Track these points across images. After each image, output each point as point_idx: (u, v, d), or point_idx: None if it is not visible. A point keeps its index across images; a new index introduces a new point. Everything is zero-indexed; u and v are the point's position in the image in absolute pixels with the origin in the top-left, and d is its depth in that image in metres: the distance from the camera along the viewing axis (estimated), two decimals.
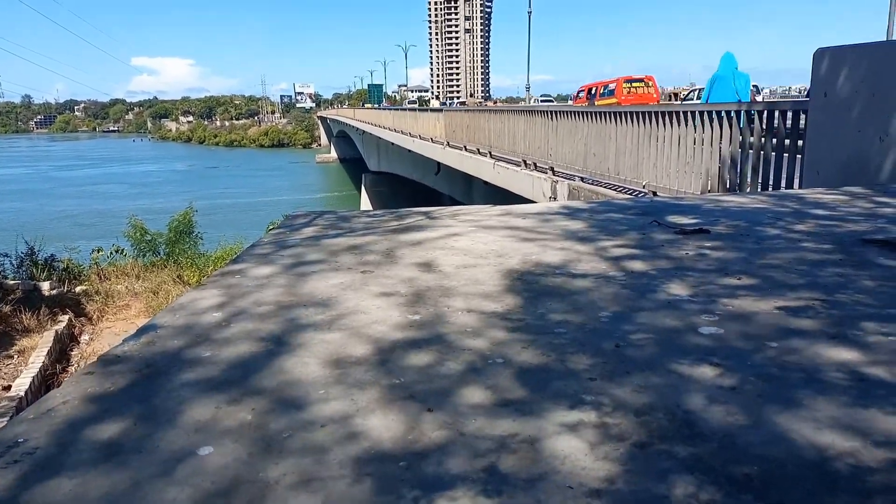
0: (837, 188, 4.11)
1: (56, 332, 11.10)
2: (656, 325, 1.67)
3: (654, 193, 8.62)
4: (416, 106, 53.78)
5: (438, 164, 22.90)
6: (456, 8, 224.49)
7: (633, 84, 27.40)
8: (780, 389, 1.29)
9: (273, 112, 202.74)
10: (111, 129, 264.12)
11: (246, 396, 1.31)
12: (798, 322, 1.66)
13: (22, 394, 7.94)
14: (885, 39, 21.31)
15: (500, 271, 2.25)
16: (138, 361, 1.51)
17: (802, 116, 5.97)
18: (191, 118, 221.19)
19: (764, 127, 6.58)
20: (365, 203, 46.67)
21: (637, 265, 2.29)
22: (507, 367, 1.43)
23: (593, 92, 28.98)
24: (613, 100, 25.37)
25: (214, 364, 1.48)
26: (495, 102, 53.00)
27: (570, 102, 34.67)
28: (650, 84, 27.41)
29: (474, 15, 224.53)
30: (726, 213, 3.23)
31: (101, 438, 1.16)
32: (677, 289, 1.99)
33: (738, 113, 6.98)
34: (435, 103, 39.27)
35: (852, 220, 2.95)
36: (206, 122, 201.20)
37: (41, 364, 9.20)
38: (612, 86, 27.73)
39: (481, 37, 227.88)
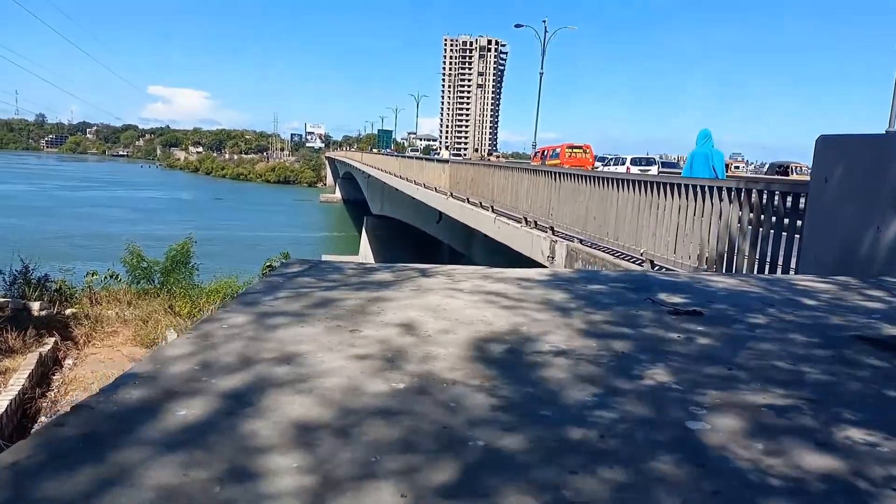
0: (830, 276, 4.10)
1: (40, 354, 10.98)
2: (641, 416, 1.64)
3: (652, 263, 8.64)
4: (418, 154, 55.20)
5: (440, 213, 23.04)
6: (471, 63, 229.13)
7: (574, 150, 34.33)
8: (763, 498, 1.26)
9: (282, 149, 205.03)
10: (120, 153, 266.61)
11: (204, 461, 1.28)
12: (782, 422, 1.64)
13: None
14: (886, 128, 21.68)
15: (485, 339, 2.22)
16: (107, 416, 1.48)
17: (802, 199, 6.03)
18: (200, 149, 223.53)
19: (763, 206, 6.63)
20: (364, 246, 46.85)
21: (626, 345, 2.27)
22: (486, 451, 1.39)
23: (545, 153, 36.19)
24: (558, 161, 31.77)
25: (182, 423, 1.45)
26: (497, 157, 53.78)
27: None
28: (587, 151, 34.51)
29: (487, 71, 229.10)
30: (716, 296, 3.22)
31: (54, 497, 1.12)
32: (665, 375, 1.97)
33: (738, 190, 7.04)
34: (445, 154, 40.02)
35: (842, 314, 2.94)
36: (215, 154, 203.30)
37: (20, 387, 9.07)
38: (557, 150, 34.87)
39: (493, 92, 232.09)
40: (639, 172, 23.53)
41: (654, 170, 27.40)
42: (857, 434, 1.58)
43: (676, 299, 3.08)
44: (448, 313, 2.56)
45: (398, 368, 1.88)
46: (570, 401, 1.71)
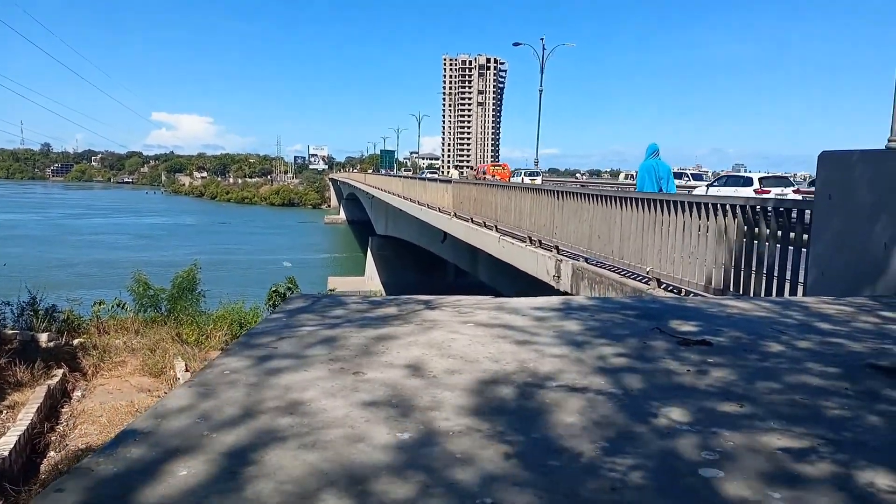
0: (842, 297, 4.05)
1: (49, 387, 10.95)
2: (653, 462, 1.60)
3: (658, 281, 8.59)
4: (410, 174, 59.40)
5: (445, 233, 23.01)
6: (470, 82, 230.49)
7: (496, 167, 59.44)
8: None
9: (286, 172, 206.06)
10: (126, 180, 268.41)
11: None
12: (801, 468, 1.59)
13: (6, 453, 7.76)
14: (888, 139, 21.65)
15: (493, 380, 2.19)
16: (107, 479, 1.45)
17: (807, 215, 5.99)
18: (205, 174, 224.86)
19: (768, 222, 6.59)
20: (370, 266, 46.88)
21: (637, 381, 2.22)
22: None
23: (483, 170, 58.22)
24: (487, 175, 49.93)
25: (183, 486, 1.41)
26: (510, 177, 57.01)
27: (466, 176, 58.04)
28: (505, 168, 57.72)
29: (487, 89, 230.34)
30: (729, 322, 3.18)
31: None
32: (677, 413, 1.93)
33: (742, 207, 7.00)
34: (454, 173, 41.00)
35: (858, 339, 2.89)
36: (219, 179, 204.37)
37: (29, 422, 9.03)
38: (484, 168, 60.17)
39: (493, 109, 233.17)
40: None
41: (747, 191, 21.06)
42: (881, 481, 1.53)
43: (688, 327, 3.04)
44: (454, 350, 2.53)
45: (404, 416, 1.84)
46: (581, 448, 1.67)
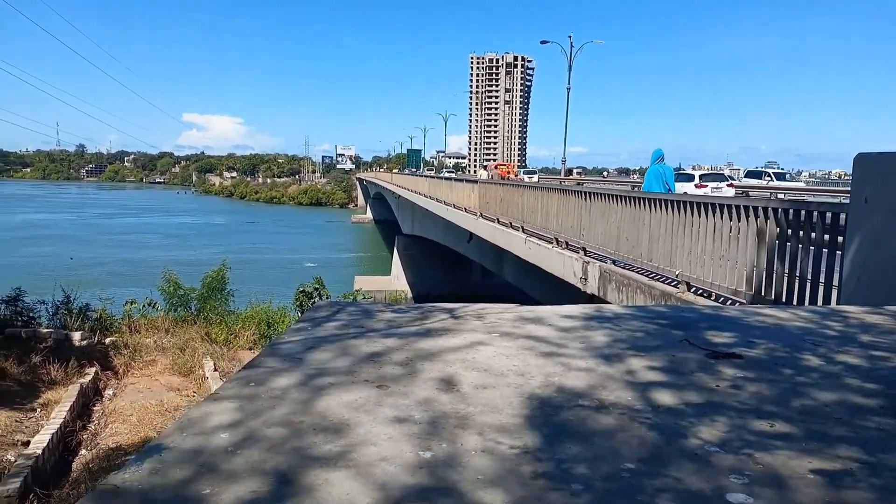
0: (884, 307, 3.94)
1: (81, 385, 11.16)
2: (681, 486, 1.56)
3: (688, 284, 8.47)
4: (433, 173, 61.97)
5: (471, 233, 23.00)
6: (497, 80, 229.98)
7: (500, 165, 68.51)
8: None
9: (314, 171, 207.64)
10: (157, 180, 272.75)
11: None
12: (835, 494, 1.54)
13: (39, 452, 7.92)
14: None
15: (519, 395, 2.16)
16: (134, 496, 1.46)
17: (842, 217, 5.86)
18: (234, 174, 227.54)
19: (802, 225, 6.46)
20: (396, 266, 47.00)
21: (666, 397, 2.18)
22: None
23: (494, 167, 65.73)
24: (497, 171, 56.22)
25: None
26: (516, 175, 58.42)
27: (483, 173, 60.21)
28: (507, 166, 69.66)
29: (514, 87, 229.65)
30: (765, 333, 3.11)
31: None
32: (706, 432, 1.88)
33: (774, 209, 6.88)
34: (483, 174, 40.95)
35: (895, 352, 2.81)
36: (248, 179, 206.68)
37: (62, 420, 9.21)
38: (492, 165, 72.41)
39: (520, 108, 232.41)
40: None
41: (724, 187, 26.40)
42: None
43: (722, 338, 2.98)
44: (479, 363, 2.51)
45: (432, 435, 1.83)
46: (606, 470, 1.64)
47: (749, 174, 36.66)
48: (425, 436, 1.82)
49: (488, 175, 41.95)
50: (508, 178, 38.46)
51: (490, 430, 1.87)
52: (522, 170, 68.20)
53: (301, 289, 20.23)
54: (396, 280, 46.46)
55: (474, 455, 1.71)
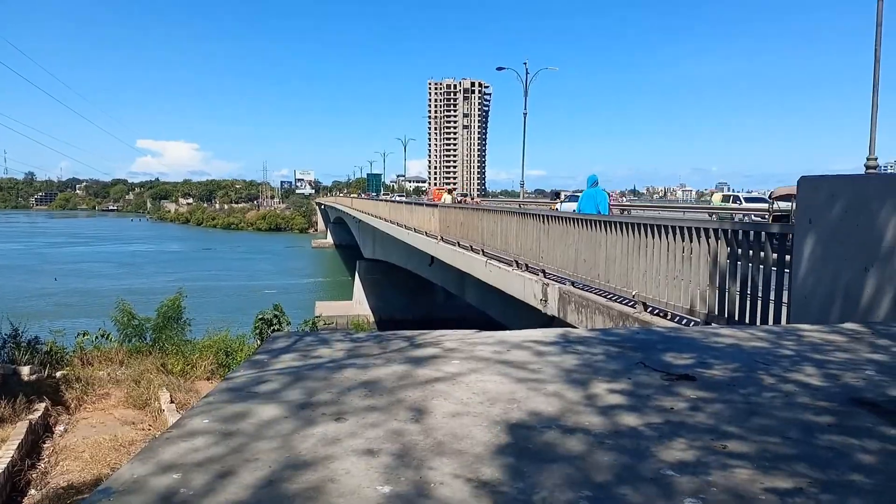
0: (836, 325, 4.06)
1: (30, 422, 10.77)
2: None
3: (644, 305, 8.60)
4: (388, 197, 60.14)
5: (432, 257, 23.02)
6: (455, 105, 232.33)
7: (440, 189, 64.11)
8: None
9: (272, 197, 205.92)
10: (111, 208, 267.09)
11: None
12: None
13: None
14: (866, 158, 21.93)
15: (488, 422, 2.16)
16: None
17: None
18: (191, 200, 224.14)
19: (752, 246, 6.63)
20: (358, 290, 46.65)
21: (628, 419, 2.20)
22: None
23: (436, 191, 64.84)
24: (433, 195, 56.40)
25: None
26: (472, 199, 59.19)
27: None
28: (443, 189, 60.52)
29: (472, 112, 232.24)
30: (722, 353, 3.17)
31: None
32: (665, 454, 1.90)
33: (725, 231, 7.05)
34: (448, 197, 40.26)
35: (851, 370, 2.89)
36: (205, 205, 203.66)
37: (9, 460, 8.85)
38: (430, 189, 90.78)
39: (478, 132, 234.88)
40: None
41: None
42: None
43: (682, 360, 3.03)
44: (440, 391, 2.50)
45: (393, 468, 1.81)
46: (567, 497, 1.65)
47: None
48: (385, 468, 1.80)
49: (452, 199, 41.56)
50: (458, 202, 37.86)
51: (457, 458, 1.86)
52: (561, 196, 41.33)
53: (260, 316, 19.93)
54: (358, 304, 46.13)
55: (440, 487, 1.69)
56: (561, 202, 34.88)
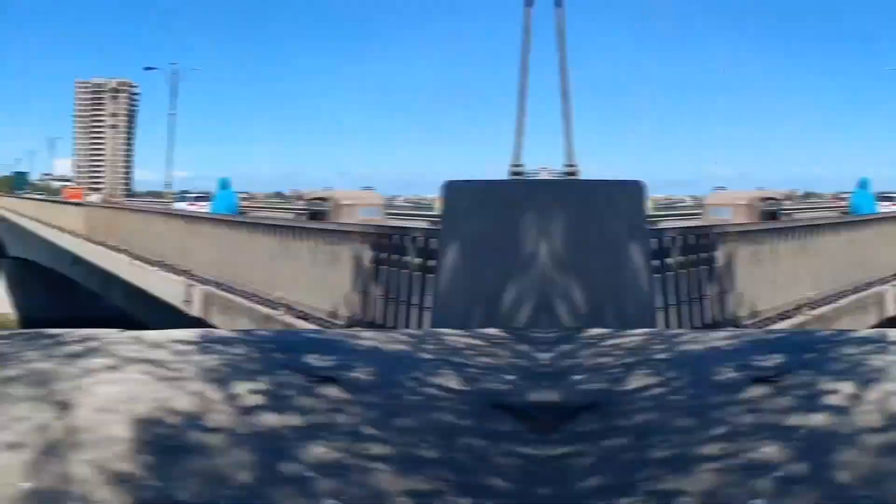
0: (477, 329, 4.15)
1: None
2: None
3: (289, 307, 8.43)
4: (39, 197, 55.55)
5: (79, 256, 21.66)
6: (102, 105, 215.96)
7: (69, 187, 65.73)
8: None
9: None
10: None
11: None
12: None
13: None
14: (510, 163, 24.73)
15: (130, 419, 2.04)
16: None
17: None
18: None
19: (396, 250, 6.70)
20: (1, 289, 43.03)
21: (270, 420, 2.17)
22: None
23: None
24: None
25: None
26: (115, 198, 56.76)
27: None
28: (77, 190, 59.00)
29: (120, 112, 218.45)
30: (364, 356, 3.23)
31: None
32: (311, 454, 1.90)
33: (366, 234, 7.14)
34: (95, 197, 37.94)
35: (491, 374, 2.98)
36: None
37: None
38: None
39: (126, 132, 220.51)
40: None
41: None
42: None
43: (325, 362, 3.01)
44: (82, 389, 2.31)
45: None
46: (209, 495, 1.63)
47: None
48: (37, 465, 1.67)
49: (102, 199, 39.11)
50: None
51: (94, 455, 1.76)
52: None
53: None
54: (1, 303, 42.93)
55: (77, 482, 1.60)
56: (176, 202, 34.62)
